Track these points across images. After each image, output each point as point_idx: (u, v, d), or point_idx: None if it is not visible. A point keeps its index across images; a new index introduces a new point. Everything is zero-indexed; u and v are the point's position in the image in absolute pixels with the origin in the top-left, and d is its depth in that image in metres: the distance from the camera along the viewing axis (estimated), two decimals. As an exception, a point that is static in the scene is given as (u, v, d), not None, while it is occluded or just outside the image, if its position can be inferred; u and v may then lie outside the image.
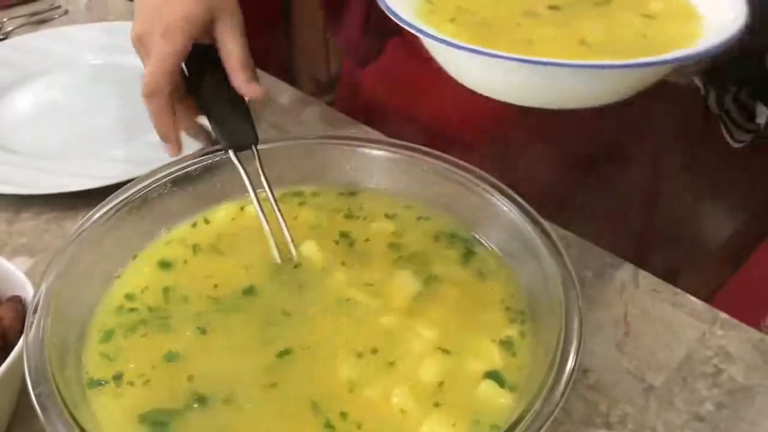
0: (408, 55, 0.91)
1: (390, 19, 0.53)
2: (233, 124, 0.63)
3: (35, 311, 0.49)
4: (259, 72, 0.66)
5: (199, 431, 0.46)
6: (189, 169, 0.63)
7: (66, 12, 1.13)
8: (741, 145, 0.76)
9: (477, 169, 0.60)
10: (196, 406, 0.47)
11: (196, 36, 0.63)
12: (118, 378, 0.50)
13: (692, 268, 0.95)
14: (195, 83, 0.66)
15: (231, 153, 0.62)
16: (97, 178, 0.77)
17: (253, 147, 0.62)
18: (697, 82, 0.76)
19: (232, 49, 0.64)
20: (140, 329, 0.53)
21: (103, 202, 0.58)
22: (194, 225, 0.62)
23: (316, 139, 0.65)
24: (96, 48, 1.01)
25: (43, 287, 0.50)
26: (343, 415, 0.47)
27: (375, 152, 0.64)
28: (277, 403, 0.47)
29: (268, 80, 0.97)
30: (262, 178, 0.61)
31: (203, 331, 0.52)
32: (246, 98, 0.64)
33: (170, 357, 0.51)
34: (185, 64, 0.66)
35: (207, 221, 0.62)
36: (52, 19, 1.11)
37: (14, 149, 0.83)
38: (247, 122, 0.63)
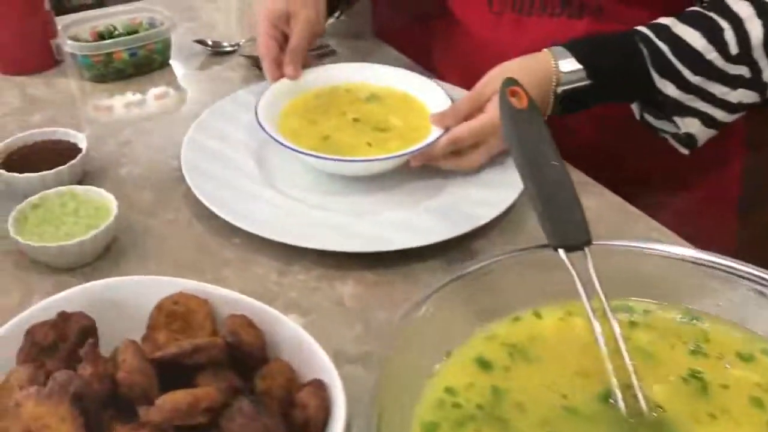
0: None
1: None
2: (564, 219, 0.55)
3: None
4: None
5: None
6: (502, 261, 0.56)
7: (334, 52, 1.12)
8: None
9: None
10: None
11: (276, 23, 0.90)
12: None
13: None
14: (519, 157, 0.59)
15: (561, 253, 0.54)
16: (369, 240, 0.72)
17: (585, 248, 0.54)
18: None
19: (291, 38, 0.89)
20: (470, 425, 0.47)
21: (415, 299, 0.52)
22: (513, 323, 0.54)
23: (654, 247, 0.56)
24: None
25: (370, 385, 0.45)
26: None
27: (730, 276, 0.54)
28: None
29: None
30: (597, 287, 0.52)
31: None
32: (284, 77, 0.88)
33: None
34: (508, 135, 0.60)
35: (527, 321, 0.55)
36: (320, 57, 1.10)
37: (289, 194, 0.80)
38: (580, 218, 0.55)
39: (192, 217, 0.78)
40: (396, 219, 0.76)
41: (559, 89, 0.78)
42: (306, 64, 0.92)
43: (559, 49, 0.80)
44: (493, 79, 0.79)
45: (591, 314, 0.50)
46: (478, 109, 0.79)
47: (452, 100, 0.84)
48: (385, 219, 0.76)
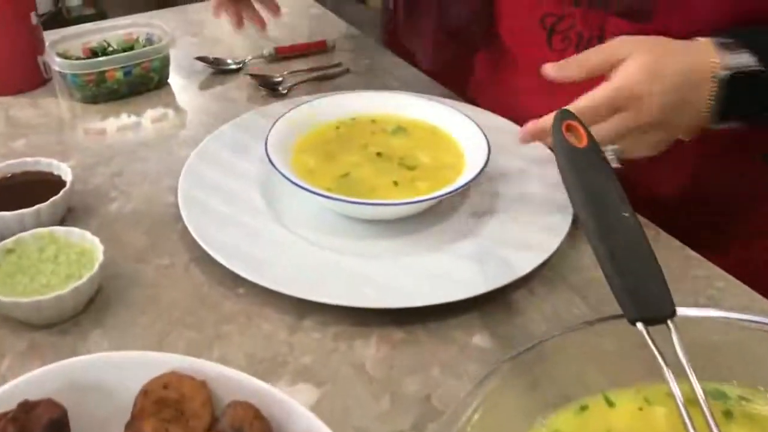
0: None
1: None
2: (643, 287, 0.45)
3: None
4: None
5: None
6: (562, 336, 0.46)
7: (347, 71, 1.03)
8: None
9: None
10: None
11: None
12: None
13: None
14: (583, 208, 0.49)
15: (641, 326, 0.44)
16: (394, 294, 0.63)
17: (669, 321, 0.44)
18: None
19: None
20: None
21: (463, 398, 0.42)
22: (580, 414, 0.44)
23: (752, 318, 0.46)
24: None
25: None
26: None
27: None
28: None
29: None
30: (688, 370, 0.42)
31: None
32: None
33: None
34: (567, 180, 0.50)
35: (597, 411, 0.45)
36: (333, 77, 1.01)
37: (301, 234, 0.70)
38: (661, 285, 0.45)
39: (190, 262, 0.68)
40: (424, 266, 0.66)
41: (723, 73, 0.63)
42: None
43: (718, 38, 0.65)
44: (626, 42, 0.65)
45: (682, 408, 0.40)
46: (609, 65, 0.64)
47: (486, 136, 0.74)
48: (411, 266, 0.66)
